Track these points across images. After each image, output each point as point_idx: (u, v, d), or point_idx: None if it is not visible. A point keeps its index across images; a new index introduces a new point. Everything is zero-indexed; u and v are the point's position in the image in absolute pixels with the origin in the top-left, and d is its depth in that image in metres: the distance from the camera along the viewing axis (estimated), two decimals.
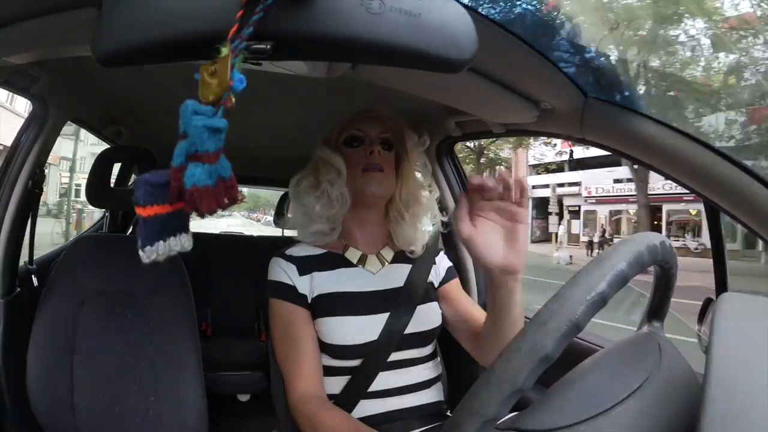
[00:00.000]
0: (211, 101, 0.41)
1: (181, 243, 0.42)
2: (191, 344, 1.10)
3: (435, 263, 0.98)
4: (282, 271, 0.89)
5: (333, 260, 0.91)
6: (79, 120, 1.36)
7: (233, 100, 0.42)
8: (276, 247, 0.95)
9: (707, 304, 0.76)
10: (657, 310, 0.62)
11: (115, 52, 0.47)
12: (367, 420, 0.84)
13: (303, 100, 1.23)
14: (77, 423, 1.04)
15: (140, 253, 0.41)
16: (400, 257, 0.95)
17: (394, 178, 0.92)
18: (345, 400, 0.84)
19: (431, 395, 0.90)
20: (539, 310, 0.41)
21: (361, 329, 0.85)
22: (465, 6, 0.49)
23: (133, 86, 1.24)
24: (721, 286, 0.81)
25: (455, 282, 0.99)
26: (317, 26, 0.45)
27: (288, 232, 2.30)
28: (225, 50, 0.42)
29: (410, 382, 0.88)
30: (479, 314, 0.95)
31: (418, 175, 0.96)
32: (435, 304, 0.93)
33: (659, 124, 0.73)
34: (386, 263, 0.93)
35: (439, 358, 0.97)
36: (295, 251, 0.92)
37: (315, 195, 0.90)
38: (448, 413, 0.92)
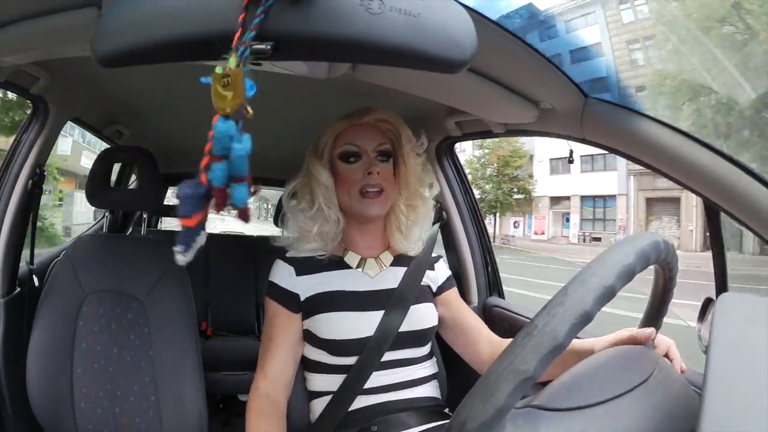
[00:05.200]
0: (229, 113, 0.43)
1: (200, 240, 0.46)
2: (191, 344, 1.10)
3: (434, 269, 0.98)
4: (279, 273, 0.92)
5: (332, 263, 0.92)
6: (79, 120, 1.36)
7: (249, 110, 0.43)
8: (277, 247, 0.96)
9: (707, 304, 0.76)
10: (657, 310, 0.62)
11: (115, 53, 0.47)
12: (365, 411, 0.86)
13: (303, 100, 1.23)
14: (77, 423, 1.04)
15: (180, 257, 0.46)
16: (398, 261, 0.95)
17: (394, 188, 0.91)
18: (341, 397, 0.86)
19: (427, 390, 0.91)
20: (579, 272, 0.43)
21: (357, 325, 0.86)
22: (465, 6, 0.49)
23: (133, 86, 1.24)
24: (721, 286, 0.81)
25: (454, 291, 1.00)
26: (317, 27, 0.45)
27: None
28: (233, 60, 0.42)
29: (405, 379, 0.89)
30: (477, 323, 0.97)
31: (418, 174, 0.94)
32: (430, 305, 0.94)
33: (659, 124, 0.73)
34: (385, 267, 0.94)
35: (435, 359, 0.97)
36: (296, 253, 0.93)
37: (310, 215, 0.89)
38: (447, 411, 0.92)
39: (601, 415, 0.41)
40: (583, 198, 17.41)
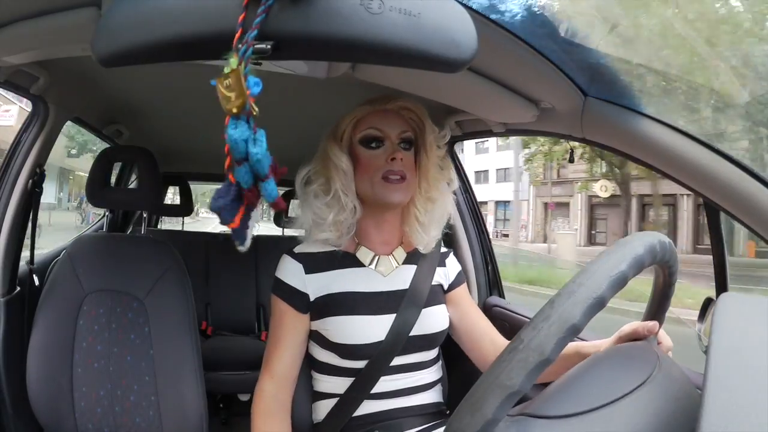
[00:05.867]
0: (236, 113, 0.43)
1: (251, 231, 0.52)
2: (191, 344, 1.10)
3: (444, 265, 0.96)
4: (287, 270, 0.88)
5: (343, 260, 0.88)
6: (79, 120, 1.36)
7: (255, 108, 0.44)
8: (277, 246, 0.96)
9: (707, 304, 0.76)
10: (656, 311, 0.62)
11: (115, 52, 0.47)
12: (368, 417, 0.85)
13: (303, 100, 1.23)
14: (77, 423, 1.04)
15: (240, 248, 0.53)
16: (410, 258, 0.92)
17: (415, 179, 0.87)
18: (348, 400, 0.85)
19: (432, 396, 0.91)
20: (567, 283, 0.42)
21: (369, 329, 0.84)
22: (465, 6, 0.49)
23: (133, 86, 1.24)
24: (721, 286, 0.81)
25: (463, 287, 0.97)
26: (317, 26, 0.44)
27: (289, 231, 2.31)
28: (234, 60, 0.42)
29: (412, 384, 0.88)
30: (484, 322, 0.95)
31: (439, 166, 0.90)
32: (442, 307, 0.92)
33: (659, 124, 0.73)
34: (398, 264, 0.90)
35: (441, 361, 0.96)
36: (305, 248, 0.90)
37: (325, 201, 0.85)
38: (448, 413, 0.92)
39: (597, 421, 0.40)
40: (497, 203, 22.16)
